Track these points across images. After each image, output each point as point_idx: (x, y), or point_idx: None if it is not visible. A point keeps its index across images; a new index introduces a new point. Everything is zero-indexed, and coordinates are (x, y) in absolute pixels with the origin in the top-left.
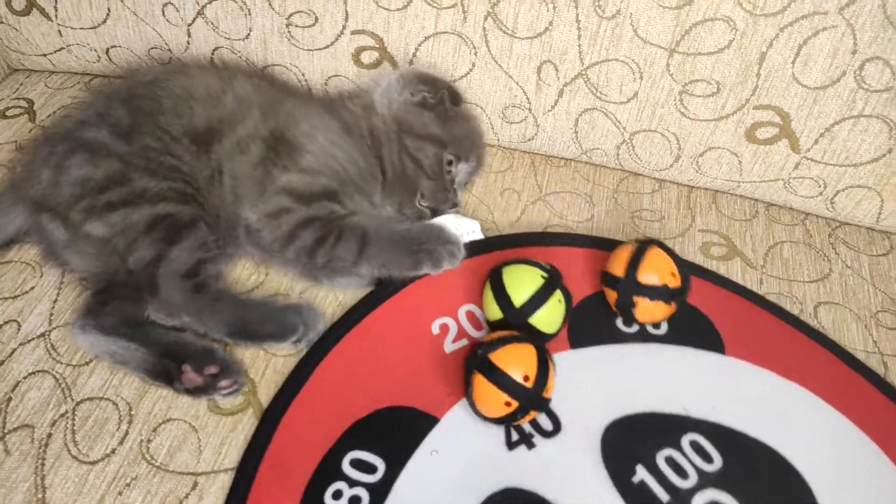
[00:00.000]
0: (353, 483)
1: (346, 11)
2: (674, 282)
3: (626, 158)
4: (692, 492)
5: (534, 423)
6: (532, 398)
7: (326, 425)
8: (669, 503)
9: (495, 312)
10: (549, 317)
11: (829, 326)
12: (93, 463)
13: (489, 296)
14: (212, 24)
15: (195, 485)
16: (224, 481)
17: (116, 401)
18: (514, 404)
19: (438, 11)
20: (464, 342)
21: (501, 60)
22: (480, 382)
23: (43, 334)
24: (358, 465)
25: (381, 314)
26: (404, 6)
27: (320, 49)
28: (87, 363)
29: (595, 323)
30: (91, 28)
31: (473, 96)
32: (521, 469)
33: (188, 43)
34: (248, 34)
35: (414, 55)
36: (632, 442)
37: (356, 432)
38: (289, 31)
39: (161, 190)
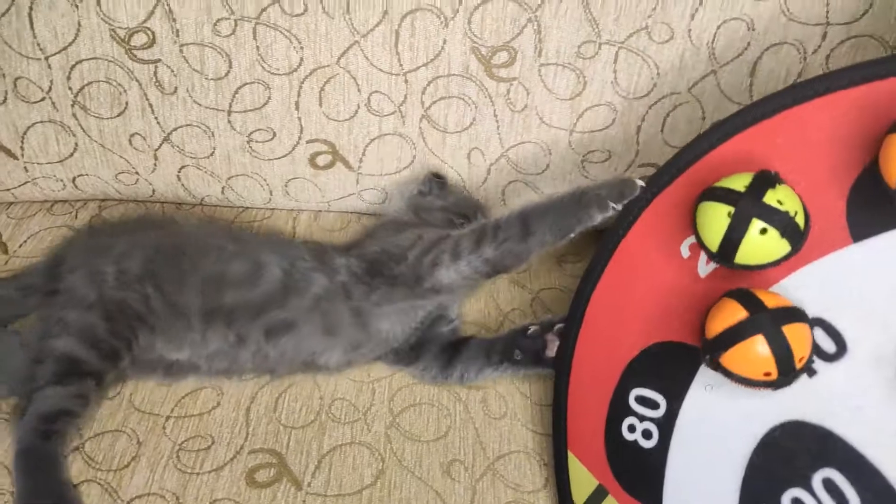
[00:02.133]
0: (642, 418)
1: (301, 125)
2: None
3: None
4: None
5: (812, 346)
6: (785, 381)
7: (607, 369)
8: None
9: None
10: (755, 251)
11: None
12: None
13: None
14: (177, 147)
15: None
16: None
17: (163, 493)
18: (775, 375)
19: (380, 118)
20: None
21: (437, 151)
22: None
23: (77, 447)
24: (642, 401)
25: (628, 246)
26: (351, 116)
27: (279, 158)
28: (126, 466)
29: (887, 200)
30: (58, 161)
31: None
32: (803, 400)
33: (155, 165)
34: (213, 152)
35: (363, 154)
36: None
37: (633, 371)
38: (250, 147)
39: (99, 338)
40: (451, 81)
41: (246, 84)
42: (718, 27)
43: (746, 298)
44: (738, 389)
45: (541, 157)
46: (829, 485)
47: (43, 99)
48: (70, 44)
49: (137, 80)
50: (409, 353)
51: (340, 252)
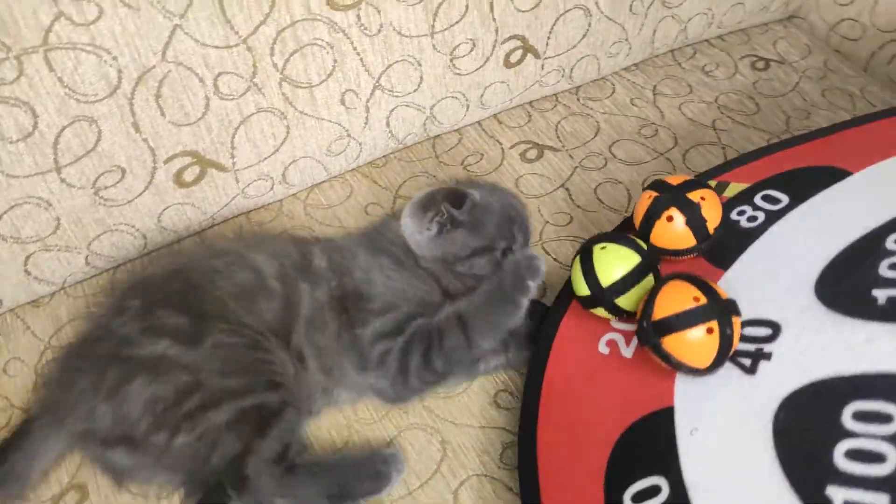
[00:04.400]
0: None
1: (150, 147)
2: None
3: (432, 128)
4: None
5: (749, 340)
6: (718, 309)
7: (585, 476)
8: None
9: (582, 289)
10: (639, 299)
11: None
12: None
13: (577, 272)
14: (11, 237)
15: None
16: None
17: None
18: (715, 328)
19: (236, 101)
20: (636, 340)
21: (309, 111)
22: (671, 342)
23: None
24: (640, 497)
25: (552, 369)
26: (203, 113)
27: (140, 195)
28: None
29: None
30: None
31: (298, 152)
32: (785, 376)
33: None
34: (57, 224)
35: (233, 147)
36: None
37: (613, 478)
38: (100, 197)
39: (244, 384)
40: (298, 29)
41: (64, 128)
42: None
43: None
44: (720, 415)
45: (412, 72)
46: (862, 415)
47: None
48: None
49: None
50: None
51: (323, 249)
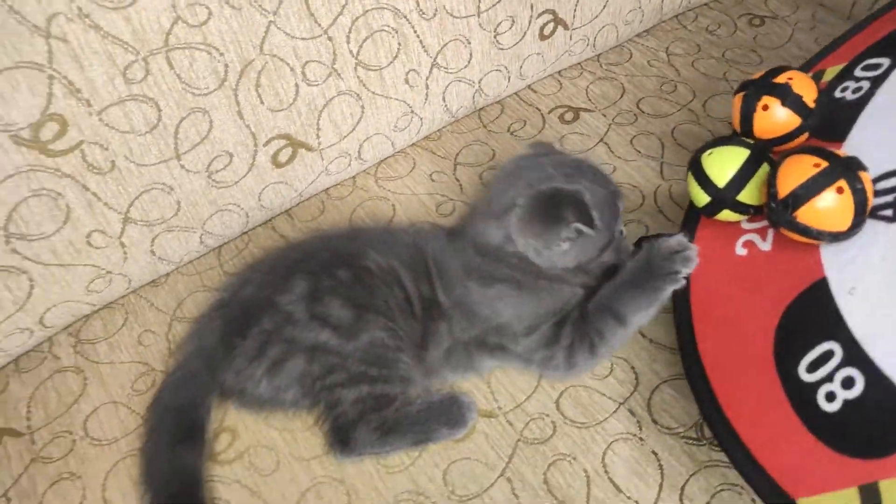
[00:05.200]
0: (830, 378)
1: (252, 132)
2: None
3: (479, 100)
4: None
5: (886, 192)
6: (841, 167)
7: (755, 365)
8: None
9: (701, 198)
10: (760, 191)
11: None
12: None
13: (692, 184)
14: (141, 221)
15: None
16: None
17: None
18: (844, 186)
19: (321, 86)
20: (771, 232)
21: (379, 90)
22: (805, 214)
23: None
24: (815, 365)
25: (696, 286)
26: (294, 98)
27: (244, 177)
28: None
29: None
30: (16, 312)
31: (371, 129)
32: None
33: (125, 254)
34: (178, 207)
35: (318, 129)
36: None
37: (785, 349)
38: (213, 180)
39: (381, 375)
40: (369, 18)
41: (183, 119)
42: None
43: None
44: (877, 259)
45: (462, 50)
46: None
47: None
48: None
49: (68, 175)
50: None
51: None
